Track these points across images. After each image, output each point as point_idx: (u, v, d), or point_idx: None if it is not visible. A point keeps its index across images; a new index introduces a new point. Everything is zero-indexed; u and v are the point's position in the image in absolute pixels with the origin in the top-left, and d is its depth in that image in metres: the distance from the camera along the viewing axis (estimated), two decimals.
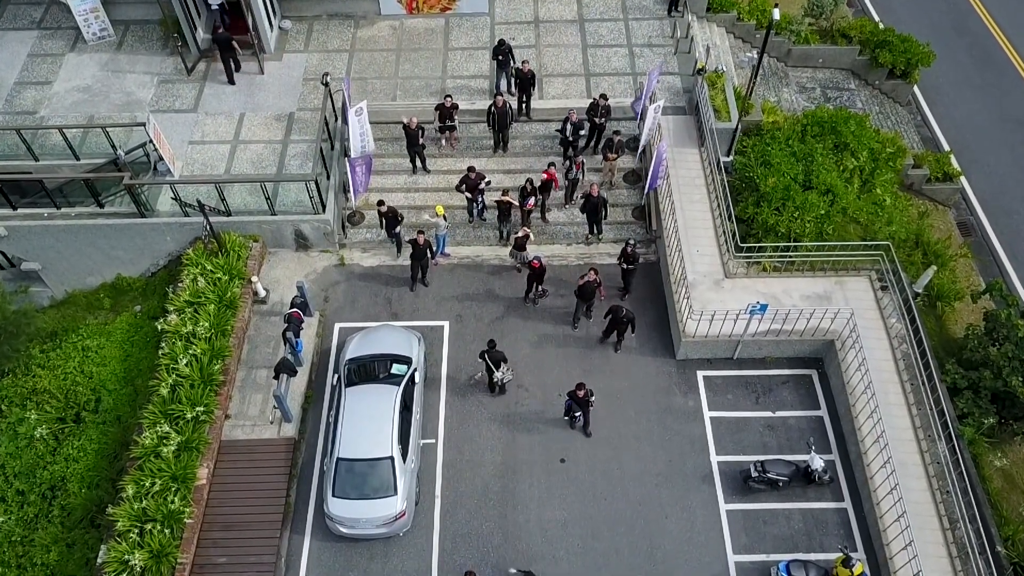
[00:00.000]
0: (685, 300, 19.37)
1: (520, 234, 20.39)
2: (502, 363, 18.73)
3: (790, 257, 20.24)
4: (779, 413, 19.10)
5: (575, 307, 20.22)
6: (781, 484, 17.56)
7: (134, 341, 21.16)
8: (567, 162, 21.70)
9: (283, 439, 18.75)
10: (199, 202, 19.40)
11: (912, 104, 27.38)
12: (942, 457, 17.34)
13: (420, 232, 20.23)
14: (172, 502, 16.98)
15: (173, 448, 17.63)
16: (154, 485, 17.19)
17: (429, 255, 20.76)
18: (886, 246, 19.97)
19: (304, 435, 19.05)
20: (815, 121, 22.73)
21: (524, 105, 23.30)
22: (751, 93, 22.18)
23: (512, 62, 22.97)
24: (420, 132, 21.77)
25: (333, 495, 16.97)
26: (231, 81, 23.91)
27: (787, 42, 26.16)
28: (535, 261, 19.83)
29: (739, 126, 21.90)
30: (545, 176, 21.12)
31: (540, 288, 20.55)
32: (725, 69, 23.39)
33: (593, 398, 17.90)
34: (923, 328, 18.96)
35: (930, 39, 25.95)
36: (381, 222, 20.95)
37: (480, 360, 18.81)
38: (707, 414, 19.12)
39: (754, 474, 17.48)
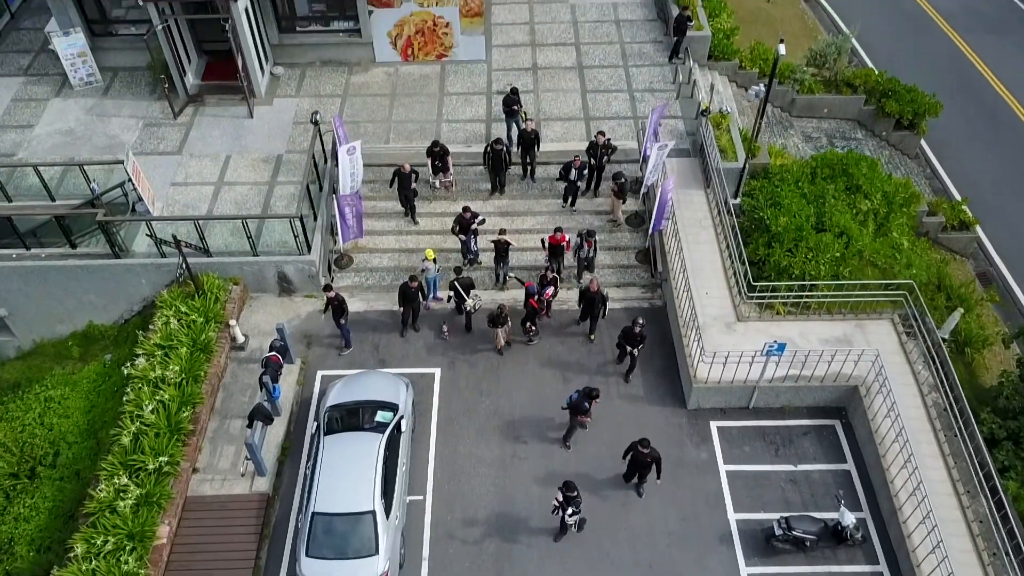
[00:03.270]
0: (696, 343, 17.95)
1: (498, 312, 18.69)
2: (471, 290, 18.70)
3: (806, 298, 18.92)
4: (801, 466, 17.40)
5: (568, 428, 17.64)
6: (808, 543, 15.71)
7: (101, 391, 19.62)
8: (579, 238, 19.69)
9: (255, 494, 16.98)
10: (175, 238, 18.20)
11: (920, 157, 26.63)
12: (987, 514, 15.61)
13: (412, 277, 18.95)
14: (126, 563, 15.11)
15: (131, 502, 15.88)
16: (107, 543, 15.35)
17: (421, 298, 19.44)
18: (909, 285, 18.69)
19: (279, 491, 17.29)
20: (825, 163, 21.82)
21: (528, 167, 22.08)
22: (757, 133, 21.37)
23: (521, 110, 22.04)
24: (414, 176, 20.79)
25: (307, 554, 15.12)
26: None
27: (791, 91, 25.60)
28: (534, 300, 18.55)
29: (746, 166, 20.94)
30: (551, 241, 19.55)
31: (531, 326, 19.18)
32: (730, 110, 22.62)
33: (577, 516, 15.75)
34: (955, 374, 17.46)
35: (934, 94, 25.36)
36: (326, 307, 18.92)
37: (450, 290, 19.02)
38: (722, 467, 17.42)
39: (778, 532, 15.67)
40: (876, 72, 26.10)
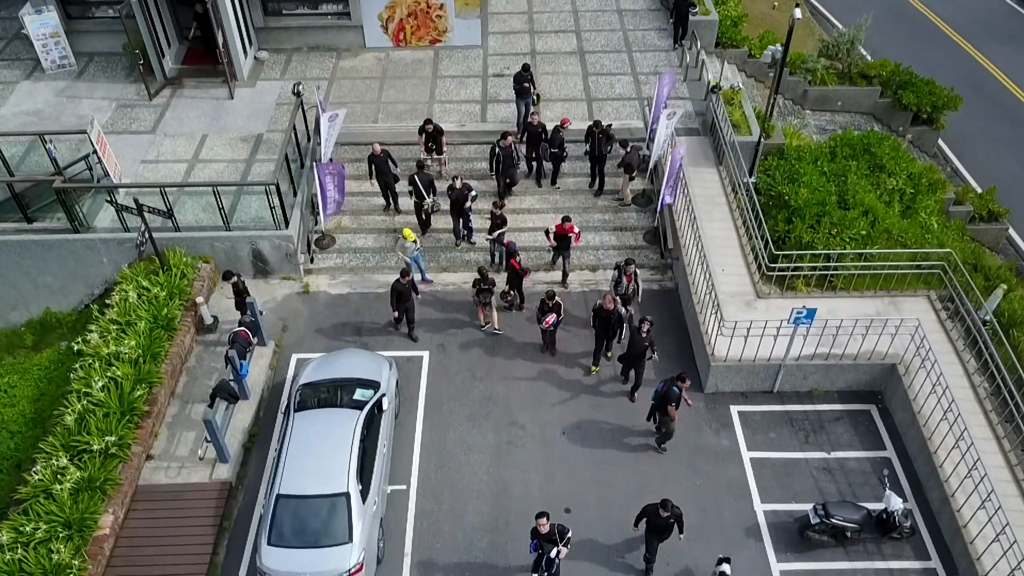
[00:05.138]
0: (713, 316, 16.12)
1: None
2: (432, 190, 18.00)
3: (832, 273, 17.17)
4: (835, 454, 15.40)
5: (664, 430, 15.23)
6: (849, 533, 13.65)
7: (52, 378, 17.64)
8: (616, 271, 17.10)
9: (215, 483, 14.91)
10: (136, 202, 16.49)
11: (939, 156, 25.24)
12: None
13: (404, 272, 16.70)
14: (58, 552, 12.97)
15: (70, 486, 13.80)
16: (37, 531, 13.24)
17: (414, 294, 17.36)
18: (948, 256, 16.98)
19: (243, 480, 15.24)
20: (845, 143, 20.38)
21: (535, 164, 20.08)
22: (772, 111, 19.94)
23: (534, 89, 20.52)
24: (389, 158, 18.90)
25: (269, 543, 13.01)
26: None
27: (803, 81, 24.28)
28: (515, 260, 17.00)
29: (761, 141, 19.45)
30: (557, 230, 17.59)
31: (510, 290, 17.58)
32: (741, 87, 21.24)
33: (564, 549, 12.63)
34: (1010, 352, 15.60)
35: (952, 87, 24.09)
36: (236, 295, 17.05)
37: (410, 186, 18.07)
38: (746, 455, 15.42)
39: (814, 521, 13.59)
40: (892, 63, 24.84)
